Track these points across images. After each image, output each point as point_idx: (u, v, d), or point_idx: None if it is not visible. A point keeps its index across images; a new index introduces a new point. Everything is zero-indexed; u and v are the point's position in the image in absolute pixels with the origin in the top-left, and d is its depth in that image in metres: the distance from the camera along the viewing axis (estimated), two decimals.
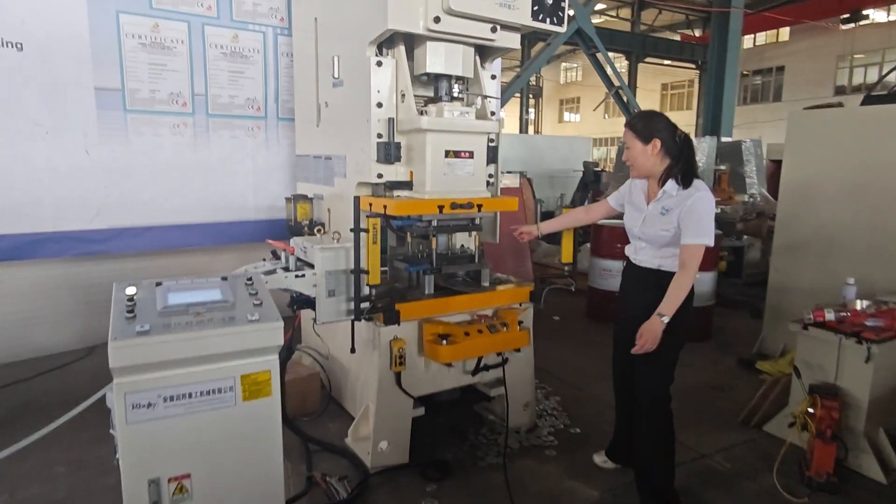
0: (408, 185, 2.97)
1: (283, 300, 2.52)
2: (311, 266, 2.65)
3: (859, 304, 3.10)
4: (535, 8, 2.86)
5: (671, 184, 2.46)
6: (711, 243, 2.36)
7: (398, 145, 2.88)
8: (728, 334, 5.31)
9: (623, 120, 13.37)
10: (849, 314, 3.02)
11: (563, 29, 3.00)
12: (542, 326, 5.30)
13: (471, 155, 2.92)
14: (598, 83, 12.05)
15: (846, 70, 23.23)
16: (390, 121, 2.85)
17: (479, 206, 2.91)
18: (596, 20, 25.20)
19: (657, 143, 2.44)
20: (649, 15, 24.01)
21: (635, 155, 2.49)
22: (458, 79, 3.01)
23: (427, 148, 2.79)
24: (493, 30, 2.85)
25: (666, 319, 2.31)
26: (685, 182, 2.43)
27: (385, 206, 2.77)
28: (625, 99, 10.85)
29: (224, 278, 2.07)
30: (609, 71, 10.41)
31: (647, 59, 23.85)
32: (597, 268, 5.62)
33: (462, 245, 3.35)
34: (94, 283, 3.50)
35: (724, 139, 10.13)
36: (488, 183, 3.17)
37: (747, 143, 8.40)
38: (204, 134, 3.78)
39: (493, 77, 3.22)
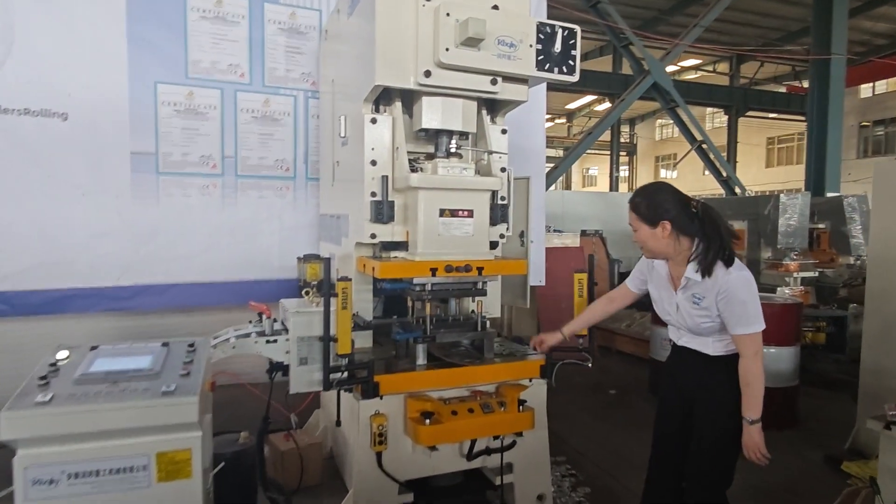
0: (404, 245, 2.79)
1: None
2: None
3: None
4: (541, 58, 2.65)
5: (691, 269, 2.14)
6: (763, 326, 2.06)
7: (392, 204, 2.72)
8: (821, 422, 4.48)
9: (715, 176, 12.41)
10: None
11: (574, 78, 2.75)
12: (593, 400, 4.79)
13: (470, 214, 2.69)
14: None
15: None
16: (384, 179, 2.71)
17: (480, 269, 2.65)
18: (691, 76, 24.51)
19: (666, 225, 2.12)
20: (749, 68, 22.91)
21: (644, 238, 2.20)
22: (462, 134, 2.84)
23: (419, 206, 2.61)
24: (493, 82, 2.66)
25: (758, 422, 2.06)
26: (710, 267, 2.08)
27: (374, 269, 2.60)
28: (710, 155, 10.15)
29: (165, 344, 1.96)
30: (689, 123, 9.83)
31: (750, 113, 22.61)
32: (658, 338, 5.05)
33: (473, 312, 3.07)
34: (115, 336, 3.60)
35: (829, 194, 9.11)
36: (494, 244, 2.91)
37: (850, 199, 7.45)
38: (232, 194, 3.87)
39: (504, 132, 3.01)
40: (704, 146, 9.92)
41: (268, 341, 2.43)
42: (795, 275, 6.80)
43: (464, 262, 2.60)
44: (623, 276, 10.65)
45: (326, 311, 2.27)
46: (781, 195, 7.08)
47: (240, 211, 3.92)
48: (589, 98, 26.29)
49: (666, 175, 35.91)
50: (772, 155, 29.36)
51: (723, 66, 23.39)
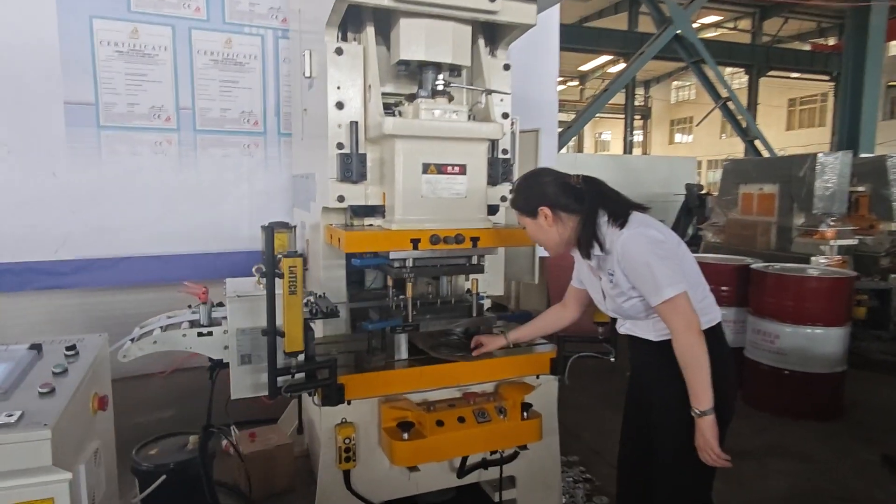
0: (380, 211, 2.23)
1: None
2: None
3: None
4: None
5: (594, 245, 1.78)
6: (681, 288, 1.63)
7: (363, 159, 2.15)
8: (868, 412, 3.93)
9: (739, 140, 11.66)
10: None
11: None
12: (607, 386, 4.27)
13: (462, 170, 2.12)
14: (713, 101, 10.64)
15: None
16: (352, 126, 2.13)
17: (475, 241, 2.10)
18: (711, 34, 23.23)
19: (546, 211, 1.80)
20: (773, 25, 21.66)
21: (534, 234, 1.88)
22: (453, 69, 2.25)
23: (397, 160, 2.04)
24: None
25: (709, 413, 1.63)
26: (601, 237, 1.74)
27: (340, 240, 2.06)
28: (738, 115, 9.39)
29: (35, 347, 1.44)
30: (714, 79, 9.05)
31: (772, 73, 21.47)
32: None
33: (468, 292, 2.53)
34: (53, 319, 3.12)
35: (863, 155, 8.37)
36: (494, 209, 2.34)
37: (894, 158, 6.73)
38: (191, 153, 3.31)
39: (507, 67, 2.41)
40: (730, 104, 9.15)
41: (200, 334, 1.90)
42: (832, 243, 6.16)
43: (454, 232, 2.05)
44: None
45: (270, 298, 1.73)
46: (819, 154, 6.38)
47: (201, 172, 3.36)
48: (603, 59, 25.08)
49: (682, 139, 34.76)
50: (793, 117, 28.14)
51: (745, 23, 22.11)
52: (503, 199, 2.43)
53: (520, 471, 2.25)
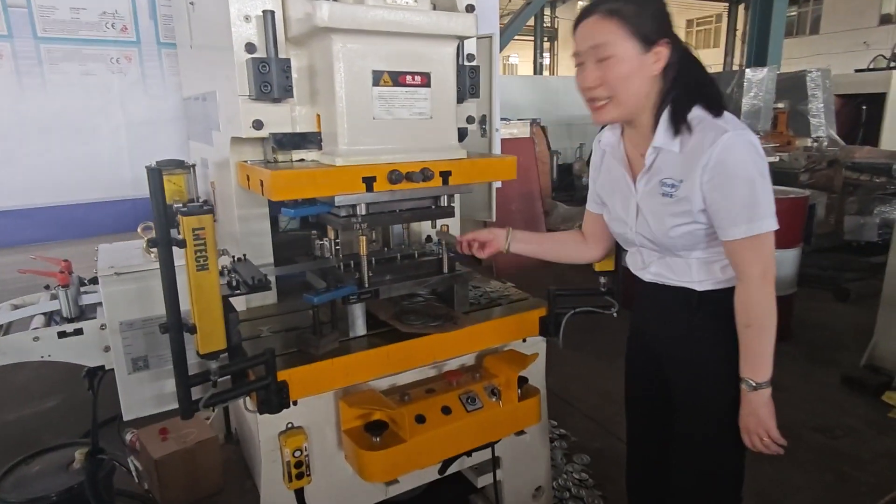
0: (315, 140, 1.65)
1: None
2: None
3: None
4: None
5: (663, 129, 1.28)
6: (775, 225, 1.21)
7: (285, 65, 1.53)
8: (812, 329, 3.96)
9: None
10: None
11: None
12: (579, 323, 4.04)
13: (425, 81, 1.56)
14: None
15: None
16: (267, 17, 1.49)
17: (446, 176, 1.58)
18: None
19: (663, 49, 1.24)
20: None
21: (624, 72, 1.24)
22: None
23: (335, 67, 1.45)
24: None
25: (767, 386, 1.28)
26: (685, 118, 1.26)
27: (262, 183, 1.47)
28: None
29: None
30: None
31: None
32: None
33: (430, 238, 2.04)
34: None
35: (781, 71, 8.47)
36: (463, 133, 1.82)
37: (813, 73, 6.79)
38: (34, 70, 2.45)
39: None
40: None
41: (63, 334, 1.29)
42: None
43: (419, 165, 1.52)
44: (562, 168, 9.88)
45: (167, 277, 1.15)
46: (747, 70, 6.29)
47: (51, 97, 2.52)
48: None
49: None
50: (690, 38, 28.85)
51: None
52: (470, 120, 1.91)
53: (505, 450, 1.88)
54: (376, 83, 1.50)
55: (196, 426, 2.33)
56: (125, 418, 1.30)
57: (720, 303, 1.33)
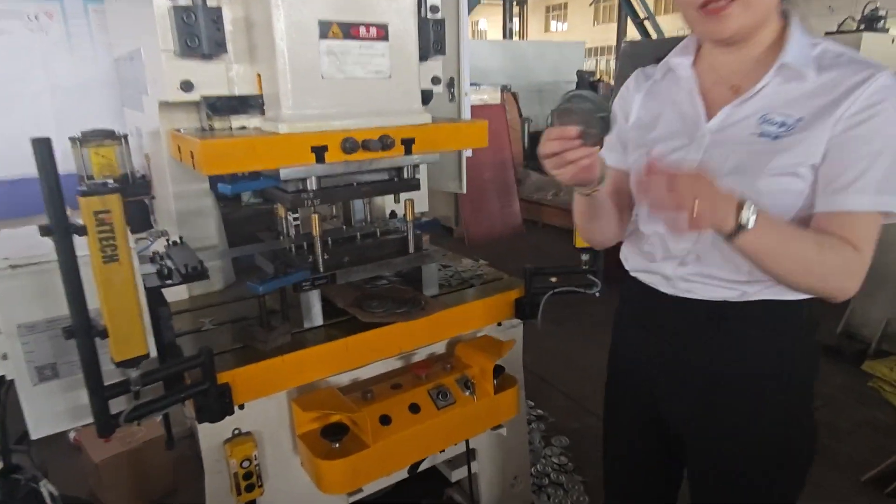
0: (257, 103, 1.43)
1: None
2: None
3: None
4: None
5: (799, 44, 0.94)
6: None
7: (215, 15, 1.30)
8: None
9: (614, 27, 11.53)
10: None
11: None
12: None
13: (382, 34, 1.35)
14: None
15: None
16: None
17: (409, 144, 1.39)
18: None
19: None
20: None
21: None
22: None
23: (274, 17, 1.23)
24: None
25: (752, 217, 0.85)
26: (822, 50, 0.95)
27: (192, 154, 1.25)
28: None
29: None
30: None
31: None
32: None
33: (394, 213, 1.85)
34: None
35: None
36: (427, 95, 1.62)
37: None
38: None
39: None
40: None
41: None
42: None
43: (378, 132, 1.33)
44: (533, 136, 9.69)
45: (67, 270, 0.94)
46: None
47: None
48: None
49: (557, 27, 34.43)
50: (657, 7, 28.67)
51: None
52: (435, 81, 1.71)
53: (481, 442, 1.74)
54: (324, 35, 1.28)
55: (144, 426, 2.14)
56: (33, 437, 1.11)
57: (775, 322, 1.00)
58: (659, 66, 1.13)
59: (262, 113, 1.41)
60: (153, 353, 1.13)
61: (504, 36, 23.23)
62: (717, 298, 1.02)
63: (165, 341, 1.20)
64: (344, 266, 1.47)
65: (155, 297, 1.21)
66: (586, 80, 9.67)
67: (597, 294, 1.66)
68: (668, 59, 1.10)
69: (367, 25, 1.33)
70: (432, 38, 1.60)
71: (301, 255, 1.48)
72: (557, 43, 15.80)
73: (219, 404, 1.20)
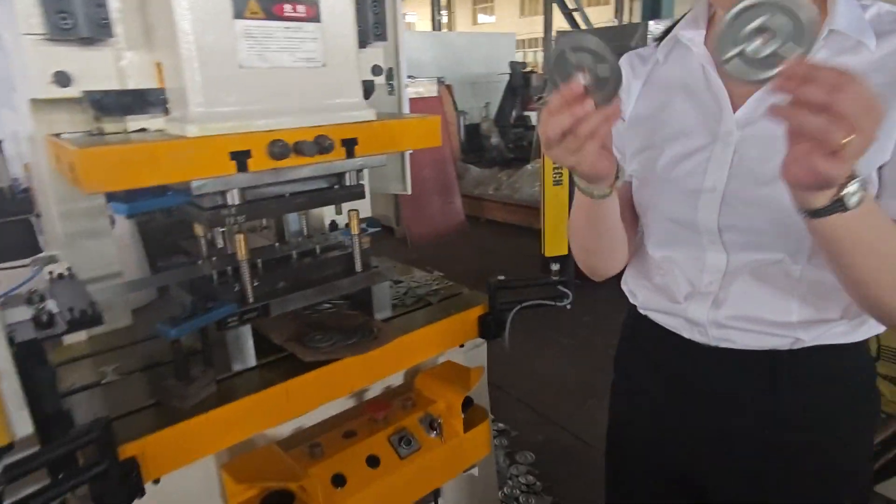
0: (158, 100, 1.15)
1: None
2: None
3: None
4: None
5: (847, 1, 0.72)
6: None
7: None
8: None
9: (541, 19, 11.62)
10: None
11: None
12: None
13: (312, 13, 1.12)
14: None
15: None
16: None
17: (351, 146, 1.16)
18: None
19: None
20: None
21: None
22: None
23: None
24: None
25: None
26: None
27: (73, 168, 0.97)
28: None
29: None
30: None
31: None
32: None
33: (335, 225, 1.61)
34: None
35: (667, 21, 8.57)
36: (368, 87, 1.40)
37: None
38: None
39: None
40: None
41: None
42: None
43: (313, 132, 1.09)
44: (469, 129, 9.56)
45: None
46: (650, 23, 6.19)
47: None
48: None
49: (485, 19, 34.59)
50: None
51: None
52: (376, 71, 1.49)
53: (448, 482, 1.54)
54: (240, 14, 1.03)
55: None
56: None
57: (839, 374, 0.84)
58: (661, 45, 0.92)
59: (167, 112, 1.14)
60: (25, 431, 0.86)
61: (433, 28, 23.08)
62: (763, 348, 0.82)
63: (47, 412, 0.93)
64: (279, 294, 1.23)
65: (30, 354, 0.93)
66: (518, 71, 9.63)
67: (568, 306, 1.50)
68: (676, 33, 0.89)
69: (294, 2, 1.09)
70: (371, 20, 1.38)
71: (226, 282, 1.23)
72: (489, 34, 15.80)
73: (124, 487, 0.94)
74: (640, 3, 10.78)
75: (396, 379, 1.39)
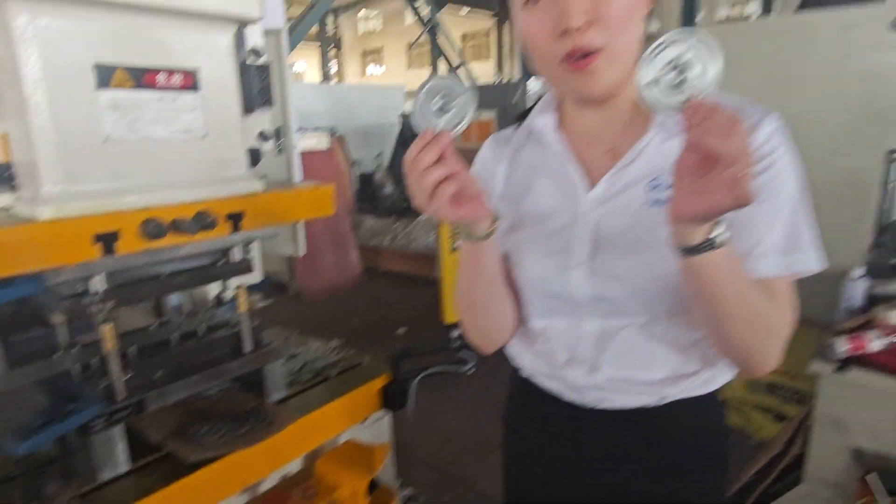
0: (6, 176, 1.01)
1: None
2: None
3: None
4: None
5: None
6: (822, 263, 0.79)
7: None
8: None
9: (428, 71, 12.23)
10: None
11: None
12: (382, 351, 3.72)
13: (190, 82, 1.05)
14: (400, 31, 10.38)
15: None
16: None
17: (236, 220, 1.09)
18: None
19: None
20: None
21: (625, 8, 0.74)
22: None
23: (20, 57, 0.86)
24: None
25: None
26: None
27: None
28: (441, 42, 9.37)
29: None
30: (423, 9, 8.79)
31: (447, 9, 22.82)
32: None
33: (220, 300, 1.49)
34: None
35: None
36: (255, 155, 1.33)
37: None
38: None
39: None
40: (438, 31, 9.05)
41: None
42: None
43: (193, 208, 1.01)
44: (363, 179, 9.56)
45: None
46: (529, 81, 6.66)
47: None
48: None
49: (374, 71, 35.35)
50: (465, 52, 30.99)
51: None
52: (263, 137, 1.42)
53: None
54: (105, 84, 0.95)
55: None
56: None
57: (701, 423, 0.91)
58: (518, 130, 0.97)
59: (11, 187, 1.00)
60: None
61: (322, 78, 23.21)
62: (636, 406, 0.88)
63: None
64: (157, 385, 1.10)
65: None
66: (408, 123, 9.87)
67: (469, 372, 1.48)
68: (530, 122, 0.95)
69: (169, 71, 1.02)
70: (257, 87, 1.33)
71: (88, 380, 1.08)
72: (379, 86, 16.12)
73: None
74: (519, 61, 11.58)
75: (294, 465, 1.28)
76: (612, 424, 0.90)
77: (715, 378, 0.88)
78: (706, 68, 0.62)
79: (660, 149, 0.83)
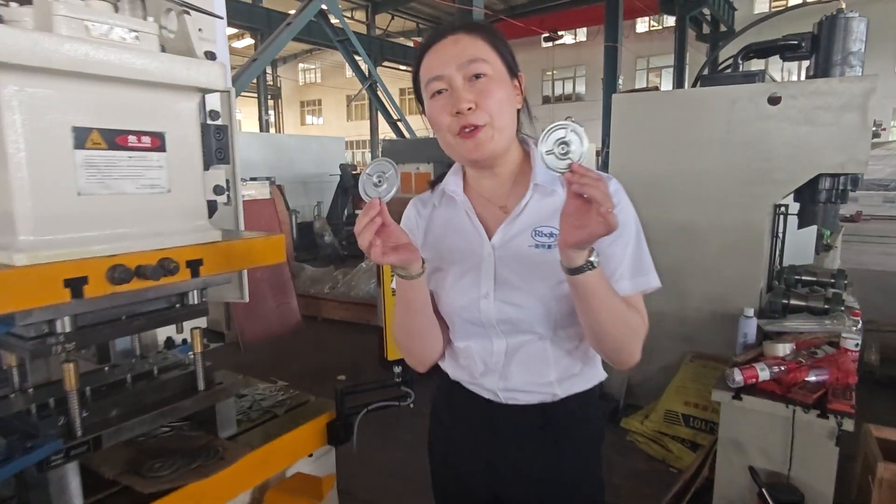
0: None
1: None
2: None
3: (783, 350, 2.24)
4: None
5: (543, 166, 0.93)
6: (658, 282, 1.09)
7: None
8: None
9: (367, 123, 12.58)
10: (782, 368, 2.13)
11: None
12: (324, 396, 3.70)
13: (157, 143, 1.17)
14: (339, 84, 10.72)
15: (549, 82, 26.34)
16: None
17: (196, 267, 1.20)
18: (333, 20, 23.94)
19: (521, 83, 1.11)
20: (383, 20, 23.77)
21: (500, 95, 1.03)
22: None
23: (5, 120, 0.97)
24: None
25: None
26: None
27: None
28: (381, 95, 9.73)
29: None
30: (361, 61, 9.15)
31: (385, 64, 23.63)
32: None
33: (171, 342, 1.56)
34: None
35: None
36: (212, 206, 1.45)
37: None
38: None
39: None
40: (376, 86, 9.41)
41: None
42: None
43: (156, 255, 1.12)
44: (303, 227, 9.58)
45: None
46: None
47: None
48: (229, 30, 23.33)
49: (312, 121, 35.66)
50: (404, 105, 31.83)
51: (360, 15, 23.59)
52: (218, 191, 1.54)
53: None
54: (81, 145, 1.06)
55: None
56: None
57: (585, 412, 1.15)
58: (435, 192, 1.22)
59: None
60: None
61: (260, 128, 23.19)
62: (536, 402, 1.13)
63: None
64: (112, 423, 1.16)
65: None
66: (348, 172, 10.06)
67: (411, 405, 1.61)
68: (444, 187, 1.19)
69: (139, 134, 1.14)
70: (214, 146, 1.46)
71: (45, 418, 1.13)
72: (318, 137, 16.31)
73: None
74: None
75: (244, 497, 1.35)
76: (519, 417, 1.14)
77: (594, 375, 1.16)
78: (581, 145, 0.88)
79: (539, 205, 1.10)
